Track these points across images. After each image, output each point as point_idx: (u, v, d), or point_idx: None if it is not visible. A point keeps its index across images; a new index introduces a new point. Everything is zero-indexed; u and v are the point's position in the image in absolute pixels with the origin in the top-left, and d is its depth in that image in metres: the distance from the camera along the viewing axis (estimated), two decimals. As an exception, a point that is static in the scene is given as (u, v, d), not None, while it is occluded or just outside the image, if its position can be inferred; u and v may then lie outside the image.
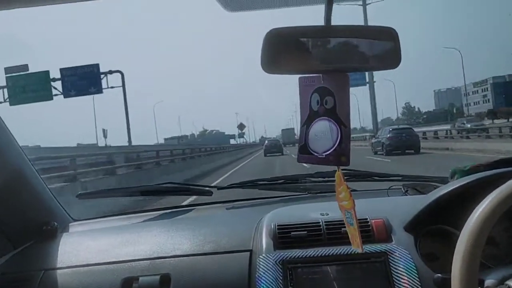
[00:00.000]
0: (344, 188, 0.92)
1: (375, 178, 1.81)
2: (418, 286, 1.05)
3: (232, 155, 31.36)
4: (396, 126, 24.04)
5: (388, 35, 0.83)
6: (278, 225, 1.22)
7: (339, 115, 0.86)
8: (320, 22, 0.82)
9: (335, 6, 0.81)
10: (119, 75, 28.19)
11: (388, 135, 20.54)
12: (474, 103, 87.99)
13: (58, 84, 26.55)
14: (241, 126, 42.41)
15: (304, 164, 1.01)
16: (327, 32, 0.82)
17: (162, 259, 1.23)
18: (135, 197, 1.86)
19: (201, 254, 1.24)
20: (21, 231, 1.42)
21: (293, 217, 1.27)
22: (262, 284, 1.09)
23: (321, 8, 0.81)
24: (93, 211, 1.84)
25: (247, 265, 1.18)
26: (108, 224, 1.60)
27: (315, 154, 0.89)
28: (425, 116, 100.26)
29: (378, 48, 0.83)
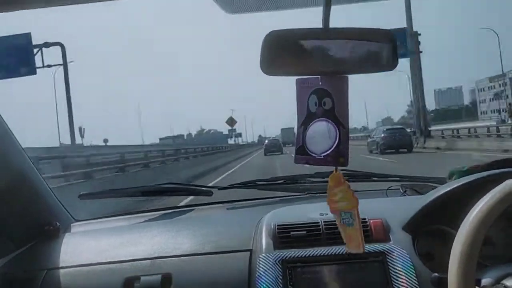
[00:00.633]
0: (344, 188, 0.92)
1: (374, 178, 1.82)
2: (416, 286, 1.06)
3: (228, 155, 28.22)
4: (389, 126, 25.45)
5: (385, 37, 0.84)
6: (278, 225, 1.23)
7: (337, 116, 0.87)
8: (319, 24, 0.83)
9: (333, 8, 0.81)
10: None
11: (382, 135, 21.60)
12: (490, 99, 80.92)
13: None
14: (231, 121, 32.35)
15: (306, 165, 1.01)
16: (325, 34, 0.83)
17: (163, 259, 1.24)
18: (136, 198, 1.86)
19: (201, 253, 1.25)
20: (23, 231, 1.43)
21: (293, 217, 1.27)
22: (262, 284, 1.10)
23: (319, 10, 0.82)
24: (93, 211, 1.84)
25: (247, 264, 1.19)
26: (109, 225, 1.61)
27: (313, 155, 0.89)
28: (432, 115, 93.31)
29: (376, 50, 0.84)
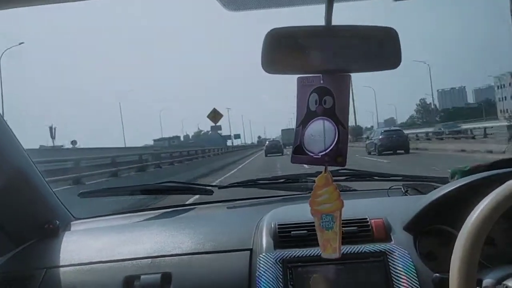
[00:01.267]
0: (330, 189, 0.92)
1: (376, 178, 1.82)
2: (417, 286, 1.06)
3: (219, 159, 24.02)
4: (387, 128, 25.79)
5: (388, 35, 0.83)
6: (278, 224, 1.23)
7: (337, 115, 0.86)
8: (321, 22, 0.82)
9: (335, 6, 0.81)
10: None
11: (380, 137, 22.03)
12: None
13: None
14: (214, 116, 22.91)
15: (305, 166, 1.01)
16: (327, 32, 0.82)
17: (163, 258, 1.24)
18: (136, 196, 1.86)
19: (202, 252, 1.25)
20: (23, 229, 1.43)
21: (294, 217, 1.27)
22: (262, 283, 1.09)
23: (321, 8, 0.82)
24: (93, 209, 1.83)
25: (248, 264, 1.18)
26: (109, 223, 1.60)
27: (310, 154, 0.89)
28: (442, 114, 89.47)
29: (379, 48, 0.83)
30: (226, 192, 1.87)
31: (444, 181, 1.43)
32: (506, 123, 29.24)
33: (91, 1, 0.82)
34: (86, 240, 1.41)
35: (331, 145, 0.87)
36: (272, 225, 1.23)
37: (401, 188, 1.62)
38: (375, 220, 1.21)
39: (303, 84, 0.89)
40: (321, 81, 0.87)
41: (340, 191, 0.96)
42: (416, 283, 1.06)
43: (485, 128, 25.56)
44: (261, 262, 1.14)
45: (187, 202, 2.03)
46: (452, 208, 1.10)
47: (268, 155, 30.71)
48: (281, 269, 1.12)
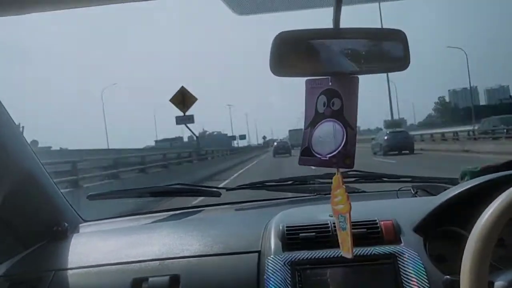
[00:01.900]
0: (341, 191, 0.92)
1: (385, 179, 1.81)
2: None
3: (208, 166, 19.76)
4: (392, 130, 26.14)
5: (397, 37, 0.83)
6: (286, 227, 1.23)
7: (346, 117, 0.86)
8: (329, 24, 0.82)
9: (344, 8, 0.81)
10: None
11: (385, 137, 22.87)
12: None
13: None
14: (182, 99, 15.67)
15: (313, 168, 1.01)
16: (335, 34, 0.82)
17: (172, 260, 1.24)
18: (144, 198, 1.87)
19: (210, 255, 1.25)
20: (31, 232, 1.43)
21: (302, 219, 1.27)
22: (271, 285, 1.09)
23: (330, 11, 0.82)
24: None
25: (256, 266, 1.18)
26: (117, 225, 1.61)
27: (318, 156, 0.89)
28: (462, 113, 79.42)
29: (387, 50, 0.83)
30: (234, 194, 1.87)
31: (454, 182, 1.42)
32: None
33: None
34: (94, 242, 1.42)
35: (339, 147, 0.87)
36: (280, 227, 1.23)
37: (410, 190, 1.61)
38: (385, 222, 1.20)
39: (311, 86, 0.89)
40: (330, 83, 0.87)
41: (349, 192, 0.96)
42: (426, 286, 1.05)
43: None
44: (270, 264, 1.14)
45: (194, 204, 2.03)
46: (463, 210, 1.09)
47: (276, 155, 31.17)
48: (289, 271, 1.11)
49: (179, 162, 16.68)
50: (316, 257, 1.14)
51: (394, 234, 1.17)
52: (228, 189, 1.88)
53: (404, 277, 1.08)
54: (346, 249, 0.95)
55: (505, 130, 22.39)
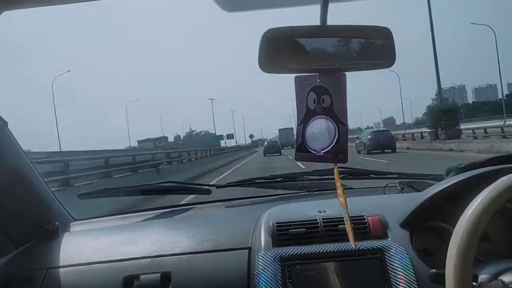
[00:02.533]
0: (338, 185, 0.93)
1: (372, 176, 1.83)
2: (414, 282, 1.07)
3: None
4: (375, 129, 28.27)
5: (383, 34, 0.85)
6: (276, 223, 1.24)
7: (336, 113, 0.87)
8: (316, 22, 0.83)
9: (331, 6, 0.82)
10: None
11: (368, 137, 24.12)
12: None
13: None
14: None
15: (300, 165, 1.02)
16: (323, 32, 0.83)
17: (163, 257, 1.25)
18: (135, 197, 1.87)
19: (200, 252, 1.25)
20: (23, 230, 1.43)
21: (291, 215, 1.28)
22: (261, 281, 1.10)
23: (317, 8, 0.83)
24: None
25: (246, 262, 1.19)
26: (108, 224, 1.61)
27: (313, 152, 0.90)
28: (461, 111, 74.11)
29: (373, 47, 0.85)
30: (224, 191, 1.88)
31: (439, 178, 1.45)
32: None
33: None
34: (85, 240, 1.42)
35: (332, 142, 0.88)
36: (270, 224, 1.24)
37: (397, 186, 1.63)
38: (372, 217, 1.22)
39: (301, 83, 0.90)
40: (318, 80, 0.88)
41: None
42: (413, 279, 1.07)
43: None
44: (260, 260, 1.15)
45: (185, 202, 2.03)
46: (448, 205, 1.11)
47: (267, 155, 31.88)
48: (279, 267, 1.13)
49: (134, 169, 13.33)
50: (306, 252, 1.15)
51: (382, 229, 1.19)
52: (218, 187, 1.89)
53: (391, 271, 1.10)
54: (351, 241, 0.96)
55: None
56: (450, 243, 0.81)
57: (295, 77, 0.90)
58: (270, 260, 1.14)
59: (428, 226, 1.19)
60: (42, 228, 1.44)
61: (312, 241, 1.18)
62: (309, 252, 1.15)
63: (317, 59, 0.84)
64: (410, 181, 1.65)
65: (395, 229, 1.20)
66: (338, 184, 0.93)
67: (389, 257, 1.12)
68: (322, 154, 0.89)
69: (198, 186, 1.91)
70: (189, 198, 2.27)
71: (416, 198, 1.22)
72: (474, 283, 0.81)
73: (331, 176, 0.99)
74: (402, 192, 1.58)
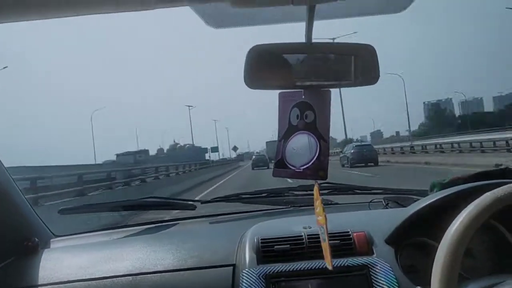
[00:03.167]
0: (318, 203, 0.93)
1: (357, 191, 1.84)
2: None
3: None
4: (358, 143, 29.74)
5: (367, 52, 0.86)
6: (261, 239, 1.23)
7: (319, 129, 0.87)
8: (302, 39, 0.84)
9: (316, 23, 0.83)
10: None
11: (352, 151, 24.96)
12: None
13: None
14: None
15: (289, 180, 1.02)
16: (308, 49, 0.84)
17: (145, 275, 1.22)
18: (117, 213, 1.84)
19: (184, 269, 1.23)
20: (0, 247, 1.39)
21: (276, 231, 1.27)
22: None
23: (302, 25, 0.83)
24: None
25: (231, 279, 1.18)
26: (90, 240, 1.58)
27: (292, 168, 0.90)
28: (459, 121, 70.12)
29: (358, 64, 0.86)
30: (209, 207, 1.86)
31: (423, 193, 1.45)
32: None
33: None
34: (65, 257, 1.39)
35: (312, 159, 0.88)
36: (255, 240, 1.23)
37: (382, 201, 1.64)
38: (357, 233, 1.22)
39: (284, 99, 0.91)
40: (302, 96, 0.89)
41: (324, 204, 0.97)
42: None
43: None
44: (244, 277, 1.14)
45: (169, 218, 2.01)
46: (432, 221, 1.12)
47: (255, 168, 32.38)
48: (264, 284, 1.11)
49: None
50: (291, 269, 1.14)
51: (367, 246, 1.19)
52: (203, 202, 1.87)
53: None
54: (327, 261, 0.96)
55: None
56: (435, 260, 0.81)
57: (279, 93, 0.91)
58: (254, 278, 1.13)
59: (413, 242, 1.19)
60: (21, 244, 1.40)
61: (297, 257, 1.17)
62: (294, 269, 1.14)
63: (302, 76, 0.85)
64: (395, 196, 1.66)
65: (380, 245, 1.20)
66: (317, 202, 0.93)
67: (375, 273, 1.12)
68: (301, 170, 0.89)
69: (182, 202, 1.89)
70: (173, 213, 2.24)
71: (400, 214, 1.23)
72: None
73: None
74: (387, 208, 1.59)
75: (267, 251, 1.19)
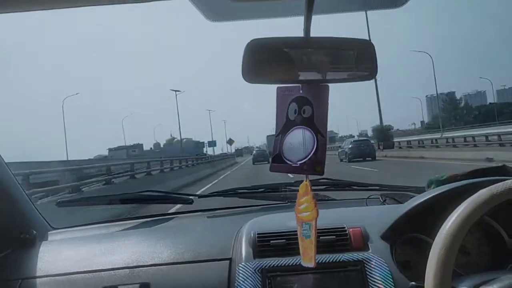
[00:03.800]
0: (308, 198, 0.93)
1: (354, 187, 1.84)
2: None
3: None
4: (356, 139, 30.86)
5: (365, 47, 0.86)
6: (257, 234, 1.23)
7: (316, 124, 0.87)
8: (300, 33, 0.84)
9: (315, 17, 0.82)
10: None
11: (350, 146, 25.42)
12: None
13: None
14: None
15: (289, 175, 1.02)
16: (306, 43, 0.84)
17: (142, 268, 1.23)
18: (115, 206, 1.84)
19: (180, 262, 1.24)
20: None
21: (273, 226, 1.28)
22: None
23: (301, 20, 0.83)
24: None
25: (227, 273, 1.18)
26: (87, 233, 1.58)
27: (289, 163, 0.90)
28: (477, 113, 65.49)
29: (356, 59, 0.85)
30: (206, 201, 1.86)
31: (420, 190, 1.46)
32: None
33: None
34: (63, 250, 1.39)
35: (309, 154, 0.88)
36: (252, 234, 1.23)
37: (379, 198, 1.64)
38: (353, 229, 1.22)
39: (282, 93, 0.91)
40: (300, 91, 0.89)
41: (319, 200, 0.98)
42: None
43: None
44: (240, 271, 1.14)
45: (166, 212, 2.01)
46: (428, 217, 1.12)
47: (256, 163, 32.56)
48: (260, 278, 1.12)
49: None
50: (287, 264, 1.14)
51: (362, 241, 1.19)
52: (200, 196, 1.88)
53: (372, 283, 1.10)
54: (307, 259, 0.96)
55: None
56: (429, 256, 0.81)
57: (277, 88, 0.91)
58: (250, 272, 1.13)
59: (408, 238, 1.19)
60: (18, 236, 1.40)
61: (293, 252, 1.18)
62: (290, 264, 1.14)
63: (300, 70, 0.85)
64: (392, 193, 1.66)
65: (376, 241, 1.20)
66: (305, 198, 0.93)
67: (370, 269, 1.12)
68: (298, 165, 0.89)
69: (180, 196, 1.89)
70: (171, 207, 2.24)
71: (397, 210, 1.23)
72: None
73: (315, 187, 0.99)
74: (384, 204, 1.59)
75: (263, 245, 1.20)
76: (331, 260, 1.13)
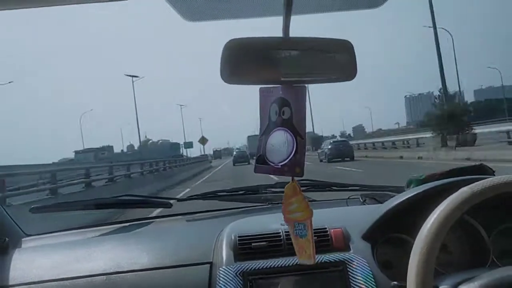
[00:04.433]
0: (299, 198, 0.92)
1: (334, 188, 1.84)
2: None
3: None
4: (336, 139, 31.63)
5: (344, 48, 0.85)
6: (238, 236, 1.22)
7: (295, 125, 0.87)
8: (279, 33, 0.83)
9: (294, 18, 0.82)
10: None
11: (329, 147, 26.32)
12: None
13: None
14: None
15: (272, 176, 1.01)
16: (285, 43, 0.83)
17: (119, 274, 1.20)
18: (91, 211, 1.80)
19: (160, 268, 1.21)
20: None
21: (254, 228, 1.26)
22: None
23: (279, 20, 0.82)
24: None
25: (207, 277, 1.16)
26: (62, 239, 1.54)
27: (271, 164, 0.89)
28: (471, 109, 62.70)
29: (335, 60, 0.85)
30: (185, 205, 1.84)
31: (400, 190, 1.47)
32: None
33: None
34: (37, 257, 1.35)
35: (290, 155, 0.87)
36: (232, 237, 1.22)
37: (359, 198, 1.65)
38: (334, 229, 1.22)
39: (264, 95, 0.90)
40: (280, 92, 0.88)
41: None
42: None
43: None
44: (221, 275, 1.12)
45: (144, 216, 1.98)
46: (408, 217, 1.13)
47: (236, 164, 33.38)
48: (241, 281, 1.10)
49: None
50: (268, 266, 1.13)
51: (344, 242, 1.19)
52: (179, 200, 1.85)
53: (353, 284, 1.10)
54: (306, 256, 0.96)
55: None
56: (411, 255, 0.81)
57: (260, 89, 0.90)
58: (231, 275, 1.12)
59: (389, 238, 1.20)
60: None
61: (274, 254, 1.17)
62: (272, 266, 1.13)
63: (279, 71, 0.84)
64: (372, 193, 1.67)
65: (357, 241, 1.20)
66: (295, 199, 0.92)
67: (351, 269, 1.12)
68: (279, 166, 0.88)
69: (158, 200, 1.87)
70: (150, 212, 2.21)
71: (377, 210, 1.23)
72: None
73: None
74: (364, 204, 1.60)
75: (244, 248, 1.19)
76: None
